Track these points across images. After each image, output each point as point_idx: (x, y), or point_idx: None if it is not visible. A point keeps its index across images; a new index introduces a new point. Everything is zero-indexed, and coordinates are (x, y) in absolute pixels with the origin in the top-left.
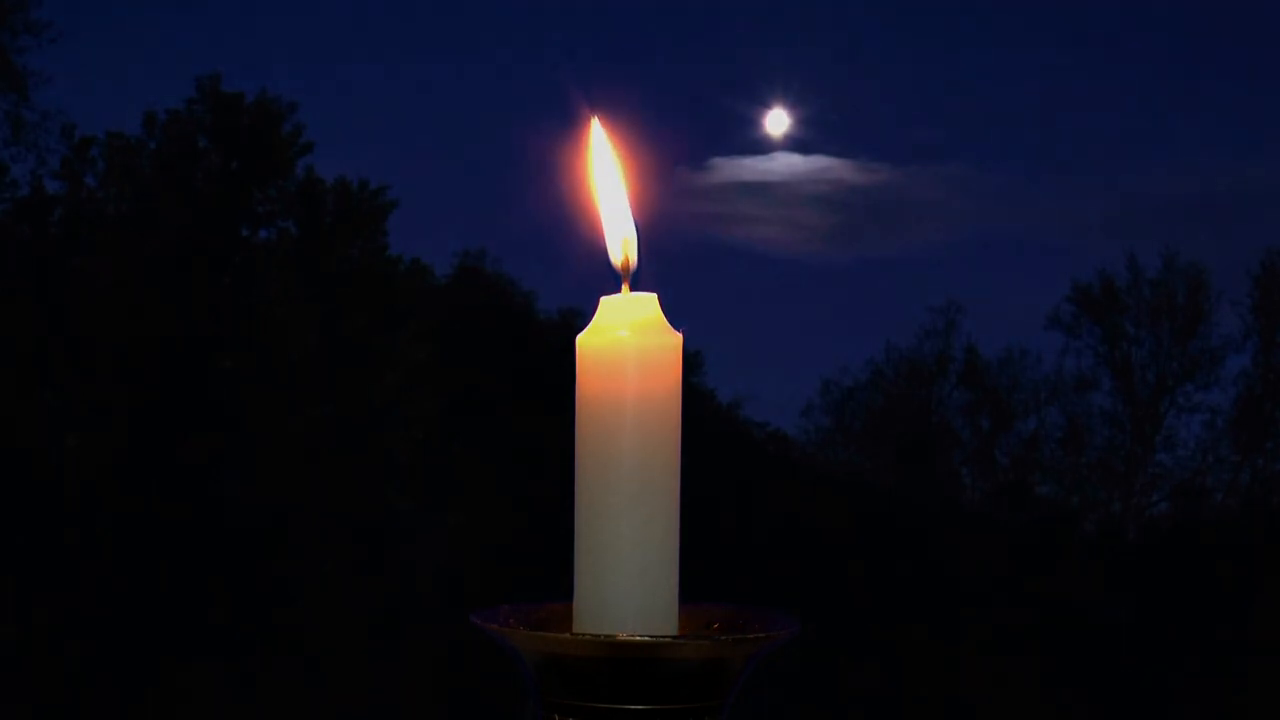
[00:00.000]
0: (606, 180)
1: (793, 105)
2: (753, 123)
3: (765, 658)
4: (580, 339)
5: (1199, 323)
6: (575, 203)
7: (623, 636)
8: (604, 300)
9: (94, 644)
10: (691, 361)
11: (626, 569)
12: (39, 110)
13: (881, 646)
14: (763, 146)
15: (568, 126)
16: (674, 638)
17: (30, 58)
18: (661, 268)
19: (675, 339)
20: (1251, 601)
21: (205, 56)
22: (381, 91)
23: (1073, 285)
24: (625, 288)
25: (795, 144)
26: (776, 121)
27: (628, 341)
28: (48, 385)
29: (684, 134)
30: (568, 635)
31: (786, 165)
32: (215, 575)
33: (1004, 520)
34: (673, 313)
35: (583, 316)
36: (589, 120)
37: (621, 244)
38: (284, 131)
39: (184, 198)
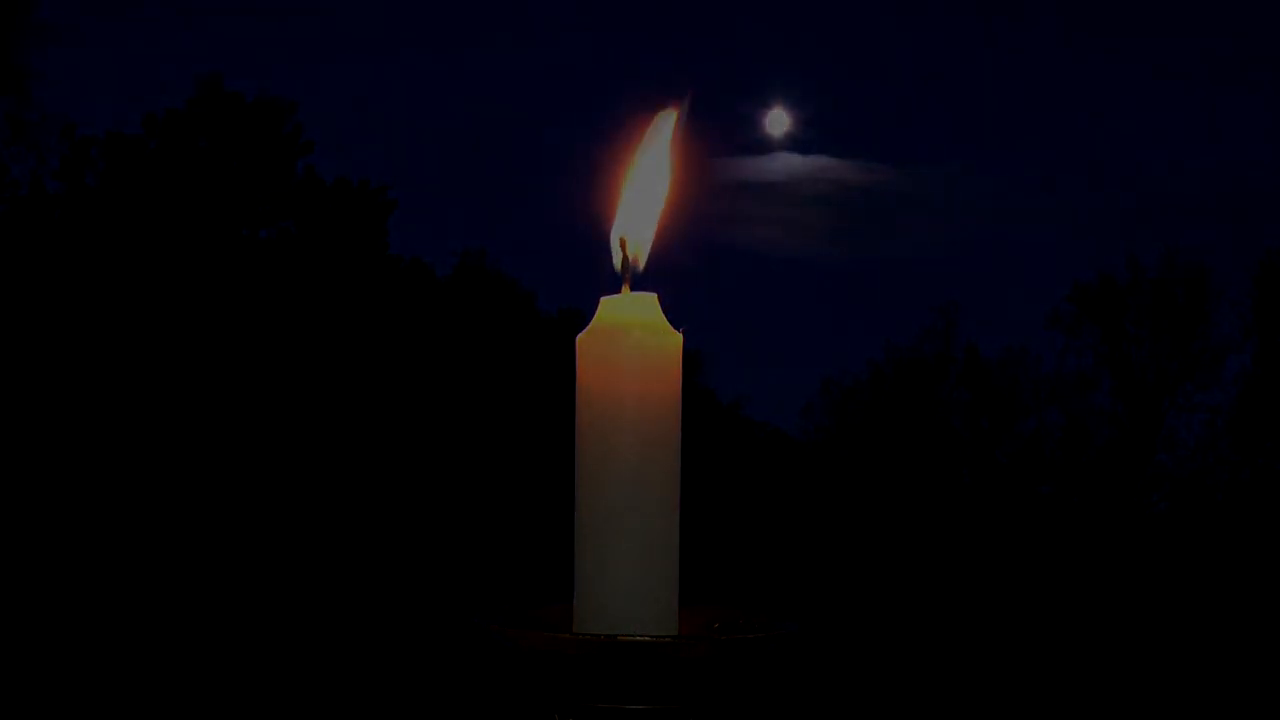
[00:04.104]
0: (651, 173)
1: (793, 105)
2: (753, 123)
3: (765, 658)
4: (580, 339)
5: (1199, 323)
6: (595, 190)
7: (623, 636)
8: (604, 300)
9: (95, 643)
10: (691, 361)
11: (626, 569)
12: (39, 110)
13: (881, 647)
14: (763, 146)
15: (568, 126)
16: (674, 638)
17: (30, 58)
18: (661, 268)
19: (675, 339)
20: (1252, 602)
21: (205, 56)
22: (382, 91)
23: (1073, 285)
24: (625, 288)
25: (795, 144)
26: (776, 121)
27: (628, 341)
28: (48, 385)
29: (683, 133)
30: (568, 635)
31: (786, 165)
32: (214, 576)
33: (1004, 520)
34: (673, 313)
35: (583, 316)
36: (669, 103)
37: (621, 243)
38: (284, 131)
39: (184, 198)
